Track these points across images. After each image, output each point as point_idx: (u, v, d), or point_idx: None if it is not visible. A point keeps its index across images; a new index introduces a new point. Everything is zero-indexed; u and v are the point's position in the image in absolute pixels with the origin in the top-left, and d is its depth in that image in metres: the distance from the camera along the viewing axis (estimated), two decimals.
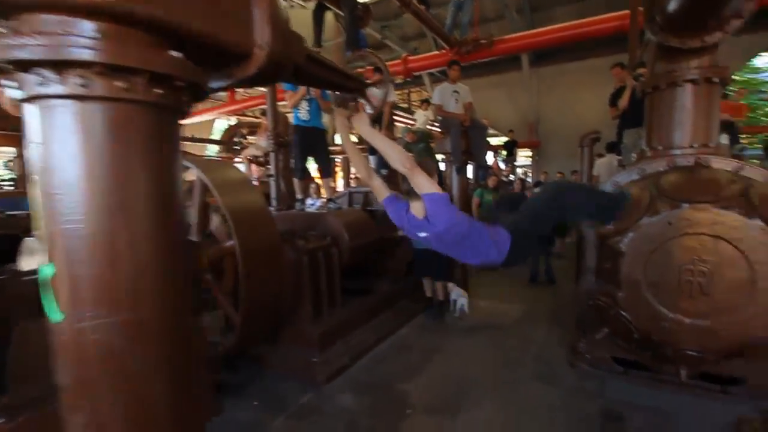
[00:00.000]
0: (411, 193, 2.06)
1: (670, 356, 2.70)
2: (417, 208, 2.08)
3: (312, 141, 4.40)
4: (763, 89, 15.81)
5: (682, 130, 3.00)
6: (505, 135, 12.88)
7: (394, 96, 5.52)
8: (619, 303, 2.81)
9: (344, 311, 4.00)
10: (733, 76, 2.90)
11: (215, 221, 3.51)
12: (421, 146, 5.52)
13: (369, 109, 2.10)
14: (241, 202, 3.10)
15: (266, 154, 7.95)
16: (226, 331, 3.59)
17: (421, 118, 8.37)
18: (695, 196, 2.53)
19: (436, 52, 7.41)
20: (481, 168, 5.99)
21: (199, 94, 1.06)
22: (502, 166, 11.62)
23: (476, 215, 6.60)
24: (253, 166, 8.60)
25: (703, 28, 2.70)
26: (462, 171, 4.89)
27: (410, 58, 7.25)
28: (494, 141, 15.17)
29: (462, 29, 6.82)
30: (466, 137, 4.89)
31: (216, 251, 3.38)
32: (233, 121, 14.71)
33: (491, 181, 6.90)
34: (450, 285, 4.80)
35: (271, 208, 5.25)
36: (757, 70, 15.79)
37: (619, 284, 2.79)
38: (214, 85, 1.15)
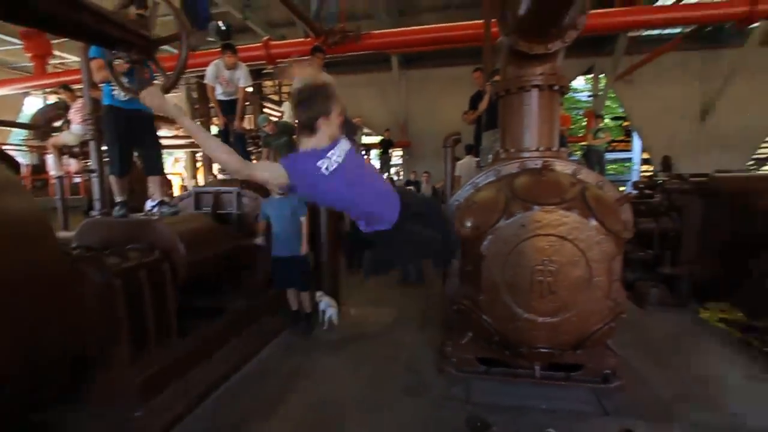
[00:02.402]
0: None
1: (525, 354, 2.75)
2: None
3: (135, 128, 3.29)
4: (578, 107, 19.78)
5: (530, 133, 3.12)
6: (381, 134, 13.04)
7: (249, 80, 4.77)
8: (480, 306, 2.76)
9: (181, 342, 3.21)
10: None
11: None
12: (283, 140, 4.94)
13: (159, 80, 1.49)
14: None
15: (83, 144, 6.11)
16: None
17: (289, 111, 7.73)
18: (544, 198, 2.60)
19: (302, 39, 6.88)
20: None
21: None
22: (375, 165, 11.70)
23: None
24: (66, 159, 6.76)
25: (546, 35, 2.81)
26: None
27: (272, 42, 6.54)
28: (369, 140, 15.34)
29: (328, 19, 6.42)
30: None
31: None
32: (54, 99, 11.68)
33: None
34: (318, 294, 4.37)
35: (94, 213, 4.18)
36: (576, 90, 19.71)
37: (480, 287, 2.74)
38: None
